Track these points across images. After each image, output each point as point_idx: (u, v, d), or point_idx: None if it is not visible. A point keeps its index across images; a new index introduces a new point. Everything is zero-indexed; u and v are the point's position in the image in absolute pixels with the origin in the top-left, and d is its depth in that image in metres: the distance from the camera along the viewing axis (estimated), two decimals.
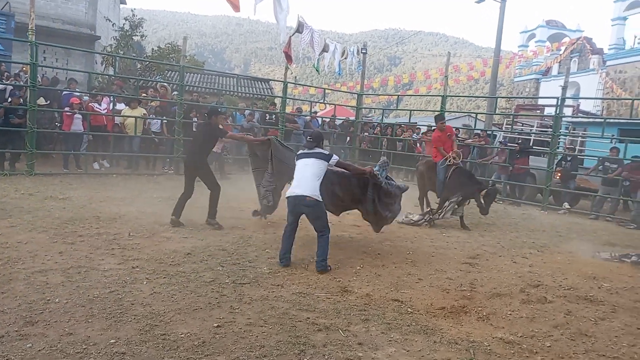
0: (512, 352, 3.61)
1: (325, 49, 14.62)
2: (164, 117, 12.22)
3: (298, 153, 5.76)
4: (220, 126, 7.79)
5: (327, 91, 17.93)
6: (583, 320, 4.31)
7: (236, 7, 11.54)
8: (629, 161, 10.81)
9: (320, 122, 16.02)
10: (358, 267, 5.48)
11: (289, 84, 14.62)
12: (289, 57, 13.23)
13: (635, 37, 29.02)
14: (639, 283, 5.59)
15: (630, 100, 13.86)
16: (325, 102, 18.70)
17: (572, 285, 5.33)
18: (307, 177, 5.30)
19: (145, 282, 4.45)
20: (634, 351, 3.74)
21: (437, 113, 11.03)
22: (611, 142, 12.15)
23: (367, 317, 4.06)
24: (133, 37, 18.27)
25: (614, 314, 4.51)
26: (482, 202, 8.33)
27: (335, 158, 5.56)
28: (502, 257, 6.52)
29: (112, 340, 3.29)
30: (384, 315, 4.13)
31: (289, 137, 14.13)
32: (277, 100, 15.37)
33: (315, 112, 17.97)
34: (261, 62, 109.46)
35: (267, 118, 14.22)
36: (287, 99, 14.79)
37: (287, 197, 5.37)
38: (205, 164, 6.99)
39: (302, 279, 4.91)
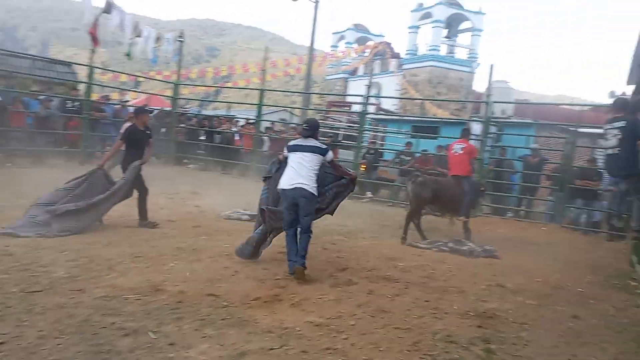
0: (321, 333, 3.82)
1: (138, 34, 13.73)
2: None
3: (292, 144, 5.45)
4: None
5: (140, 79, 16.87)
6: (382, 298, 4.76)
7: None
8: (420, 154, 12.32)
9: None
10: (172, 264, 5.25)
11: (96, 69, 13.36)
12: (95, 39, 12.11)
13: (427, 44, 33.20)
14: (426, 261, 6.37)
15: (421, 101, 15.92)
16: (138, 90, 17.56)
17: (374, 266, 5.85)
18: (303, 173, 5.17)
19: None
20: (422, 322, 4.24)
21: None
22: (406, 137, 13.68)
23: (180, 315, 3.91)
24: None
25: (406, 290, 5.07)
26: None
27: (330, 155, 5.36)
28: (314, 245, 6.80)
29: None
30: (198, 311, 4.03)
31: (96, 127, 12.94)
32: (82, 86, 13.93)
33: (127, 101, 16.78)
34: (63, 44, 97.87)
35: (68, 105, 12.77)
36: (94, 85, 13.50)
37: (283, 190, 5.22)
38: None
39: (108, 282, 4.52)
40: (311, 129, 5.44)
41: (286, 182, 5.25)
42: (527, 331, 4.26)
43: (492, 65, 11.74)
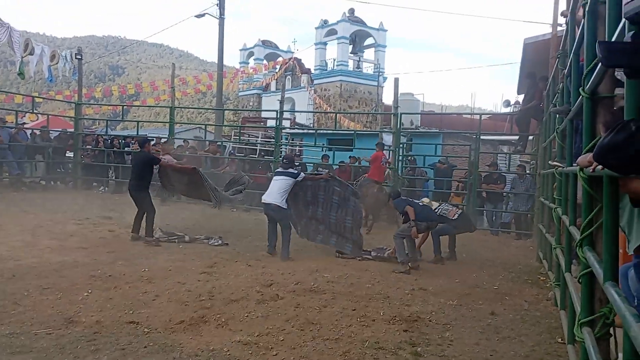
0: (250, 352, 3.73)
1: (30, 52, 12.86)
2: None
3: (275, 171, 8.34)
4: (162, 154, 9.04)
5: (37, 100, 15.77)
6: (310, 310, 4.75)
7: None
8: (337, 166, 12.54)
9: (30, 135, 13.97)
10: (85, 294, 4.91)
11: None
12: None
13: (334, 60, 34.11)
14: (351, 271, 6.43)
15: (334, 114, 16.39)
16: (37, 112, 16.45)
17: (300, 279, 5.83)
18: (274, 190, 7.19)
19: None
20: (351, 330, 4.28)
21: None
22: (322, 150, 13.88)
23: (98, 346, 3.66)
24: None
25: (334, 301, 5.10)
26: None
27: (302, 175, 7.53)
28: (238, 262, 6.72)
29: None
30: (117, 341, 3.79)
31: None
32: None
33: (23, 124, 15.61)
34: None
35: None
36: None
37: (262, 202, 7.41)
38: (142, 190, 7.90)
39: (14, 317, 4.14)
40: (289, 162, 7.68)
41: (264, 197, 7.33)
42: (450, 331, 4.43)
43: (397, 79, 12.31)
